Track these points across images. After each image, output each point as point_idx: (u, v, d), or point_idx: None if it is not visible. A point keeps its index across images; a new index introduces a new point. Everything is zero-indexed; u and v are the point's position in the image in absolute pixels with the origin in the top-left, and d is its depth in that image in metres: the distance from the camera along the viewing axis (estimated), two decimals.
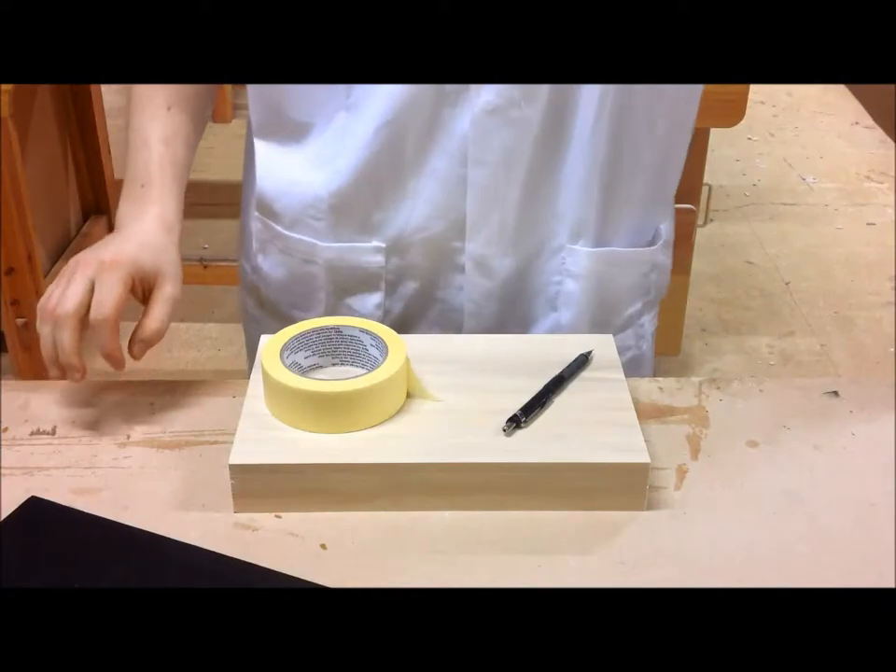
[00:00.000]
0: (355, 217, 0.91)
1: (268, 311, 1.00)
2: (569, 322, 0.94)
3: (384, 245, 0.91)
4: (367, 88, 0.83)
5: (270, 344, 0.80)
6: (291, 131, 0.90)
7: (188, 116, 0.87)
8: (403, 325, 0.96)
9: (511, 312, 0.95)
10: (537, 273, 0.93)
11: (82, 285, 0.79)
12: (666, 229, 0.98)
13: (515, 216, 0.89)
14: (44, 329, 0.79)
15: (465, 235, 0.89)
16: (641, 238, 0.95)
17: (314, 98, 0.87)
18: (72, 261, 0.82)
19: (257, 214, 0.97)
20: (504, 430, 0.76)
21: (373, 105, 0.84)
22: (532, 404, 0.78)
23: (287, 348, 0.80)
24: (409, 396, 0.80)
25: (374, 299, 0.94)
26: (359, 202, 0.89)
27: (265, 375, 0.78)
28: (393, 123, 0.84)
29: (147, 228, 0.84)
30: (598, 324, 0.95)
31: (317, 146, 0.89)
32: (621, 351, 0.93)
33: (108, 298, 0.79)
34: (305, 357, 0.82)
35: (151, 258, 0.83)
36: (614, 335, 0.90)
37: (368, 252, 0.92)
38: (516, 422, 0.77)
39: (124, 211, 0.86)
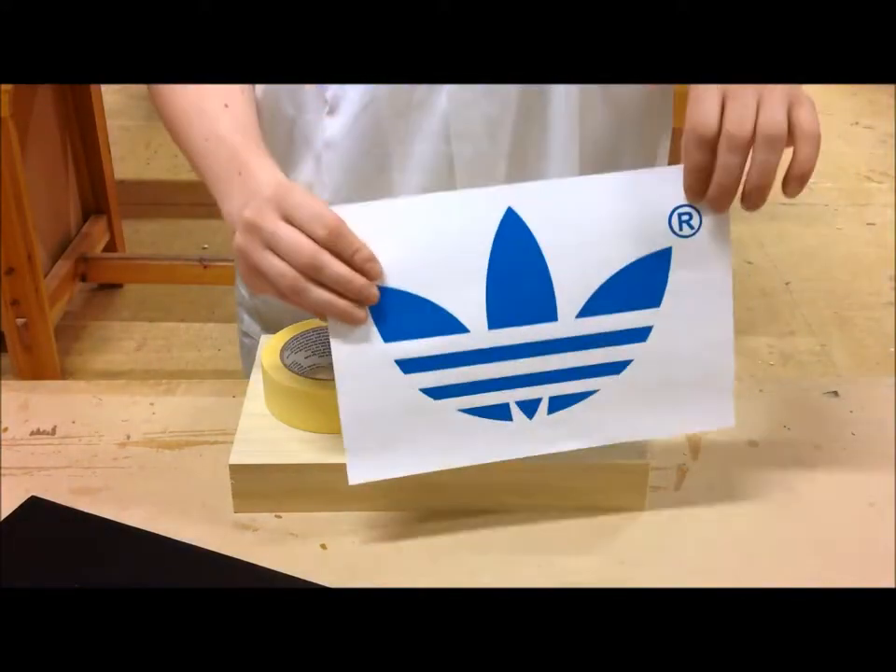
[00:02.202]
0: None
1: (273, 329, 1.00)
2: None
3: None
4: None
5: (270, 344, 0.80)
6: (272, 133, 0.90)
7: (245, 106, 0.82)
8: None
9: None
10: None
11: (285, 231, 0.66)
12: None
13: None
14: (310, 297, 0.66)
15: None
16: None
17: (299, 98, 0.87)
18: (245, 223, 0.68)
19: None
20: None
21: (351, 96, 0.84)
22: None
23: (287, 348, 0.80)
24: None
25: None
26: (349, 195, 0.89)
27: (265, 375, 0.78)
28: (369, 109, 0.84)
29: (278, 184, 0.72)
30: None
31: (300, 147, 0.89)
32: None
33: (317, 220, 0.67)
34: (305, 357, 0.82)
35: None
36: None
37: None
38: None
39: (234, 204, 0.74)
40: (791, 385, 0.90)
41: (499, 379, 0.69)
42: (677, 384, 0.72)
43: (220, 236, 2.62)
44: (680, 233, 0.69)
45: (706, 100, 0.66)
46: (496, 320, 0.68)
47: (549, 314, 0.69)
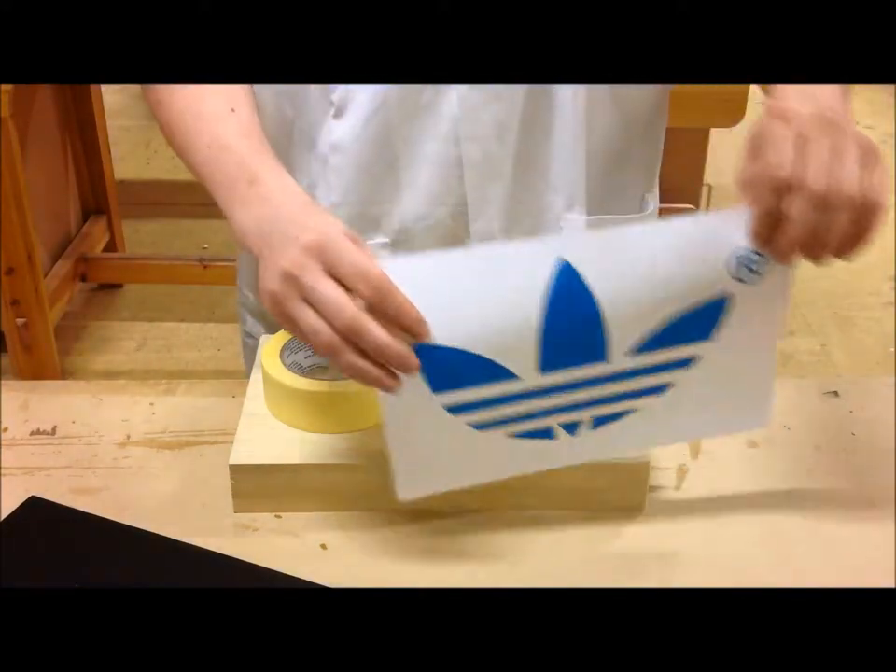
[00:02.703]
0: (354, 215, 0.91)
1: (276, 330, 1.00)
2: None
3: (388, 240, 0.91)
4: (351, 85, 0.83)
5: (270, 345, 0.80)
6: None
7: (250, 109, 0.80)
8: None
9: None
10: None
11: (324, 285, 0.63)
12: (652, 197, 0.99)
13: (513, 189, 0.89)
14: (348, 359, 0.63)
15: (468, 216, 0.89)
16: (631, 205, 0.96)
17: (300, 99, 0.87)
18: (280, 283, 0.65)
19: None
20: None
21: (359, 99, 0.84)
22: None
23: (287, 348, 0.80)
24: None
25: None
26: (357, 199, 0.89)
27: (265, 375, 0.78)
28: (378, 113, 0.84)
29: (303, 207, 0.69)
30: None
31: (301, 149, 0.89)
32: None
33: (362, 269, 0.63)
34: (305, 357, 0.82)
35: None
36: None
37: (373, 250, 0.92)
38: None
39: (245, 214, 0.70)
40: (790, 385, 0.90)
41: (545, 410, 0.69)
42: (718, 397, 0.72)
43: (220, 236, 2.62)
44: (739, 278, 0.67)
45: (783, 143, 0.63)
46: (547, 366, 0.67)
47: (599, 355, 0.68)
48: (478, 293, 0.66)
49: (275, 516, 0.75)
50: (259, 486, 0.74)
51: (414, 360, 0.64)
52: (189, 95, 0.78)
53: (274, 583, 0.69)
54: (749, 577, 0.70)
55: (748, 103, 1.82)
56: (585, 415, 0.70)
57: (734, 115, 1.81)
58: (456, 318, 0.65)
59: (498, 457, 0.70)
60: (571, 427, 0.70)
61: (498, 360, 0.66)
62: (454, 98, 0.83)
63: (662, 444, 0.74)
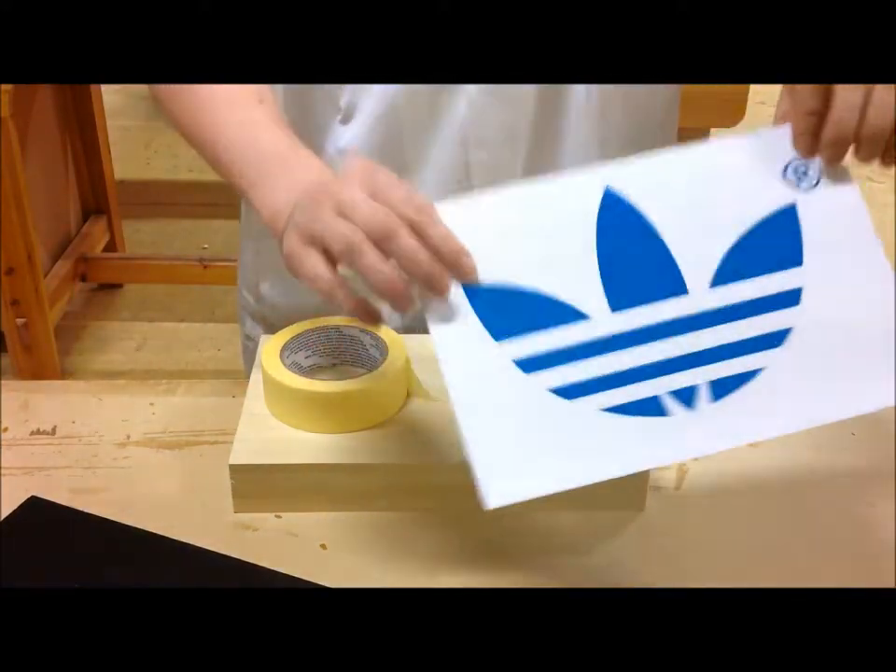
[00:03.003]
0: None
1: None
2: None
3: None
4: (358, 86, 0.83)
5: (270, 344, 0.80)
6: None
7: (276, 106, 0.78)
8: (423, 321, 0.94)
9: None
10: None
11: (366, 200, 0.59)
12: None
13: None
14: (368, 261, 0.58)
15: None
16: None
17: (308, 102, 0.86)
18: (307, 203, 0.62)
19: (254, 238, 0.96)
20: None
21: (368, 104, 0.84)
22: None
23: (287, 348, 0.80)
24: (409, 395, 0.80)
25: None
26: None
27: (265, 375, 0.78)
28: (387, 118, 0.84)
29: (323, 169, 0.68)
30: None
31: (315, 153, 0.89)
32: None
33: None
34: (305, 357, 0.82)
35: None
36: None
37: None
38: None
39: (278, 195, 0.67)
40: None
41: (641, 368, 0.60)
42: (841, 354, 0.63)
43: (220, 236, 2.62)
44: (800, 186, 0.64)
45: None
46: (618, 302, 0.61)
47: (677, 287, 0.62)
48: (528, 229, 0.62)
49: (275, 516, 0.75)
50: (259, 486, 0.74)
51: (447, 280, 0.59)
52: (217, 91, 0.76)
53: (274, 583, 0.69)
54: (750, 577, 0.70)
55: (747, 103, 1.82)
56: (696, 377, 0.60)
57: (734, 115, 1.81)
58: (508, 255, 0.61)
59: (600, 445, 0.60)
60: (685, 397, 0.60)
61: (561, 297, 0.61)
62: (462, 103, 0.83)
63: (795, 427, 0.62)
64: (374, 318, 0.63)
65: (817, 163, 0.65)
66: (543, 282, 0.61)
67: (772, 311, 0.62)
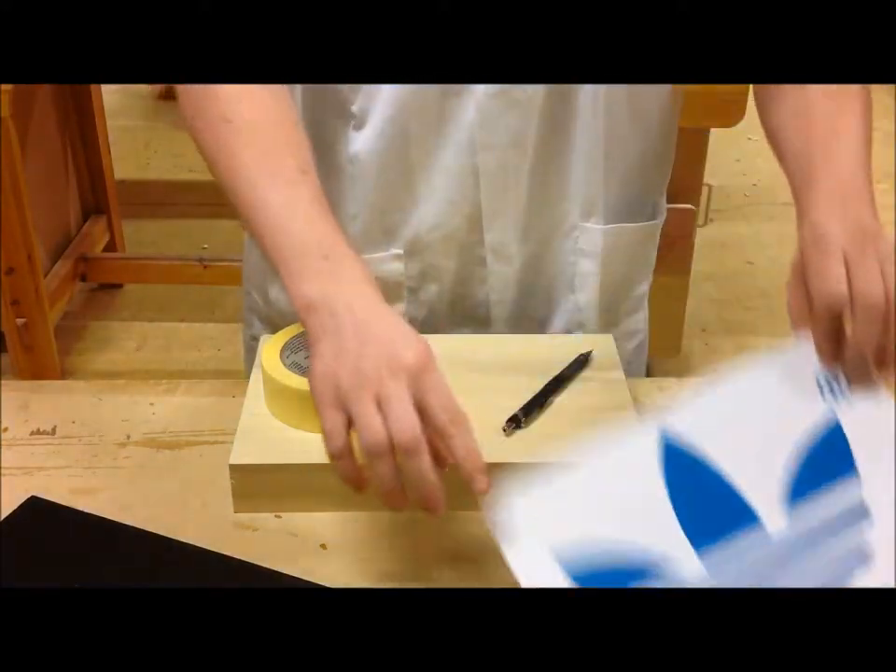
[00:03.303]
0: (370, 225, 0.90)
1: None
2: (587, 304, 0.95)
3: (401, 251, 0.91)
4: (370, 91, 0.83)
5: (270, 345, 0.80)
6: None
7: (316, 176, 0.73)
8: (431, 329, 0.94)
9: (533, 296, 0.95)
10: (554, 255, 0.93)
11: (405, 402, 0.61)
12: (663, 203, 0.99)
13: (529, 199, 0.89)
14: (382, 468, 0.61)
15: (482, 226, 0.89)
16: (644, 212, 0.96)
17: (319, 111, 0.86)
18: (346, 384, 0.62)
19: None
20: (504, 430, 0.76)
21: (379, 108, 0.84)
22: (532, 404, 0.78)
23: (288, 348, 0.80)
24: None
25: (397, 309, 0.92)
26: (374, 209, 0.89)
27: (265, 375, 0.78)
28: (397, 122, 0.84)
29: (382, 310, 0.66)
30: (612, 305, 0.96)
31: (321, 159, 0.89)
32: (631, 336, 0.92)
33: (449, 403, 0.62)
34: (305, 358, 0.82)
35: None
36: (627, 317, 0.91)
37: (387, 261, 0.91)
38: (516, 422, 0.77)
39: (313, 287, 0.66)
40: None
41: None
42: None
43: (220, 236, 2.62)
44: (836, 398, 0.68)
45: (832, 267, 0.66)
46: (699, 543, 0.63)
47: (748, 518, 0.64)
48: (597, 490, 0.64)
49: (275, 516, 0.75)
50: (259, 486, 0.74)
51: (442, 503, 0.62)
52: (258, 151, 0.72)
53: (274, 583, 0.69)
54: None
55: (747, 103, 1.82)
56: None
57: (733, 115, 1.80)
58: (587, 515, 0.63)
59: None
60: None
61: (644, 547, 0.62)
62: (471, 106, 0.83)
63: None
64: (398, 503, 0.64)
65: (842, 378, 0.68)
66: (623, 534, 0.63)
67: (845, 528, 0.64)
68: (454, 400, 0.62)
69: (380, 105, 0.83)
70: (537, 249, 0.92)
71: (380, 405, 0.61)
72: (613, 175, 0.89)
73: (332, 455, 0.63)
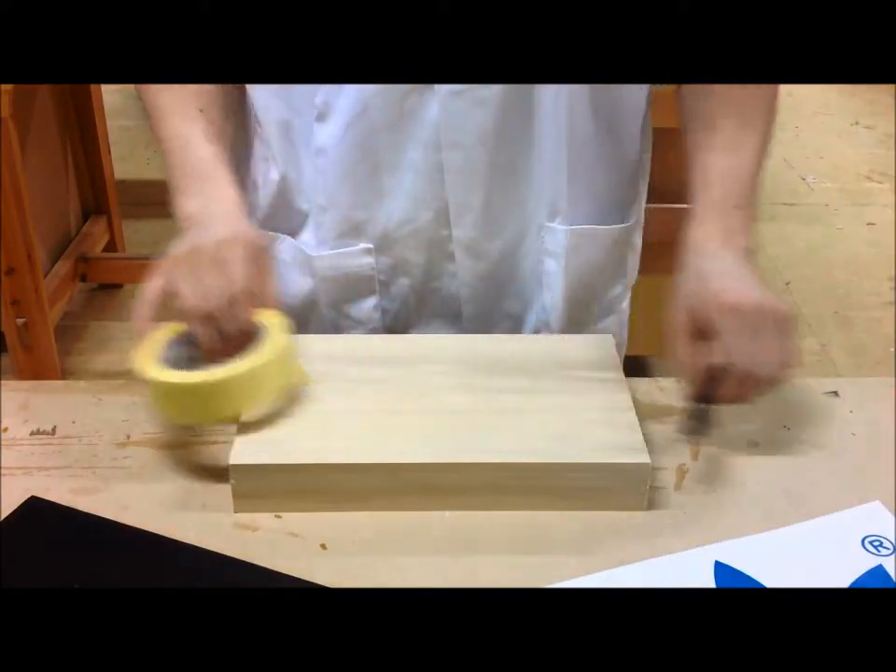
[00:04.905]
0: (339, 219, 0.91)
1: None
2: (552, 304, 0.95)
3: (371, 245, 0.92)
4: (335, 86, 0.83)
5: (148, 343, 0.78)
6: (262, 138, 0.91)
7: (220, 113, 0.86)
8: (404, 322, 0.96)
9: (505, 293, 0.96)
10: (523, 254, 0.94)
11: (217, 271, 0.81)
12: (638, 209, 0.99)
13: (496, 196, 0.89)
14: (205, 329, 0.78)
15: (450, 222, 0.90)
16: (614, 216, 0.96)
17: (293, 102, 0.87)
18: (173, 261, 0.85)
19: None
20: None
21: (342, 103, 0.84)
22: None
23: (167, 346, 0.79)
24: (292, 382, 0.79)
25: (370, 302, 0.95)
26: (341, 203, 0.90)
27: (141, 374, 0.76)
28: (361, 118, 0.84)
29: (233, 213, 0.83)
30: (580, 305, 0.96)
31: (298, 149, 0.90)
32: None
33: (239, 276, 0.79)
34: (184, 357, 0.80)
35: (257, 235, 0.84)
36: (598, 321, 0.91)
37: (357, 255, 0.92)
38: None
39: (193, 206, 0.85)
40: (791, 385, 0.90)
41: None
42: None
43: None
44: (880, 555, 0.72)
45: (715, 335, 0.77)
46: None
47: None
48: None
49: (275, 516, 0.75)
50: (259, 486, 0.74)
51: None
52: (168, 91, 0.84)
53: (274, 583, 0.69)
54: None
55: None
56: None
57: None
58: None
59: None
60: None
61: None
62: (435, 104, 0.83)
63: None
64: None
65: (892, 536, 0.73)
66: None
67: None
68: (239, 282, 0.78)
69: (342, 99, 0.84)
70: (506, 247, 0.93)
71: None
72: (578, 175, 0.89)
73: (138, 315, 0.80)
